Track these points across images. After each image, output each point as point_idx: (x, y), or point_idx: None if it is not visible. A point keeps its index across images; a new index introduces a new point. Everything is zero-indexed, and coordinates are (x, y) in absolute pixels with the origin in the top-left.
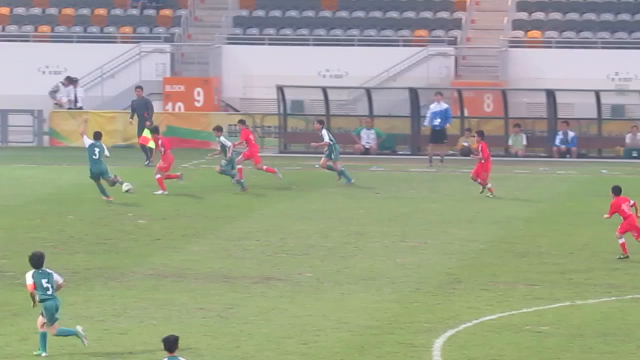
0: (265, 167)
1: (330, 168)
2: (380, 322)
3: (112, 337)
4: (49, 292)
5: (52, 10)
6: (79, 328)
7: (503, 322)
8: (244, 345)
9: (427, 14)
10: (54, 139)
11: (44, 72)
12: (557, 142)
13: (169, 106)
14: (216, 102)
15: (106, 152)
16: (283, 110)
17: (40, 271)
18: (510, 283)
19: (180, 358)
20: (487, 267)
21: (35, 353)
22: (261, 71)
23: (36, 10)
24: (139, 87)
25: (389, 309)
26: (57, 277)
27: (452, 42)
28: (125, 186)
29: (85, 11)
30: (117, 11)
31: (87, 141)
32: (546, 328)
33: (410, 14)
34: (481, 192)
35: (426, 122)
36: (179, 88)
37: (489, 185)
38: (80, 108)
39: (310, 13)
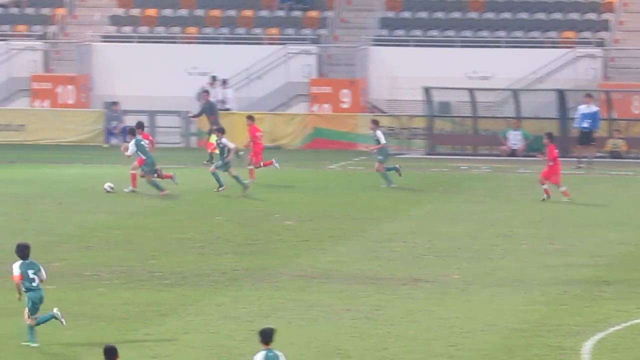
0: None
1: (388, 169)
2: (528, 324)
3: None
4: (34, 284)
5: (199, 12)
6: (55, 310)
7: None
8: (391, 347)
9: (575, 16)
10: (201, 140)
11: (191, 74)
12: None
13: (316, 107)
14: (362, 103)
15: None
16: (430, 111)
17: (27, 262)
18: None
19: (275, 351)
20: (638, 270)
21: (24, 343)
22: (408, 73)
23: (183, 12)
24: (204, 91)
25: (537, 312)
26: (42, 272)
27: (600, 44)
28: (108, 186)
29: (232, 13)
30: (264, 12)
31: (132, 146)
32: None
33: (557, 16)
34: (543, 200)
35: (575, 124)
36: (326, 89)
37: (563, 188)
38: (228, 109)
39: (457, 14)
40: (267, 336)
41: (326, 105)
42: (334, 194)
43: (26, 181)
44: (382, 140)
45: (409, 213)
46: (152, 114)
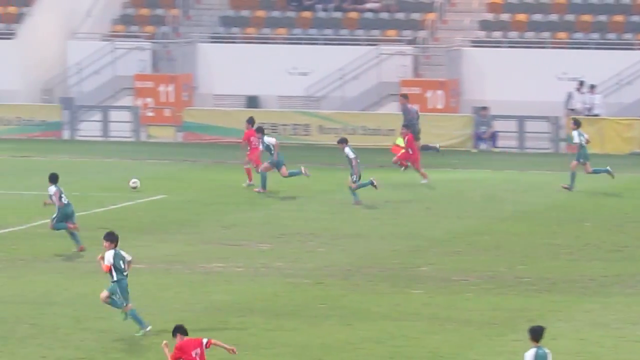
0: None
1: (597, 172)
2: None
3: (628, 345)
4: (125, 273)
5: (570, 17)
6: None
7: None
8: None
9: None
10: (570, 145)
11: (560, 79)
12: None
13: None
14: None
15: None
16: None
17: (118, 252)
18: None
19: (544, 348)
20: None
21: (138, 334)
22: None
23: (554, 17)
24: (402, 96)
25: None
26: (124, 254)
27: None
28: (133, 183)
29: (602, 17)
30: (636, 17)
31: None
32: None
33: None
34: None
35: None
36: None
37: None
38: (596, 115)
39: None
40: (537, 333)
41: None
42: None
43: (396, 186)
44: (575, 140)
45: None
46: (520, 119)
